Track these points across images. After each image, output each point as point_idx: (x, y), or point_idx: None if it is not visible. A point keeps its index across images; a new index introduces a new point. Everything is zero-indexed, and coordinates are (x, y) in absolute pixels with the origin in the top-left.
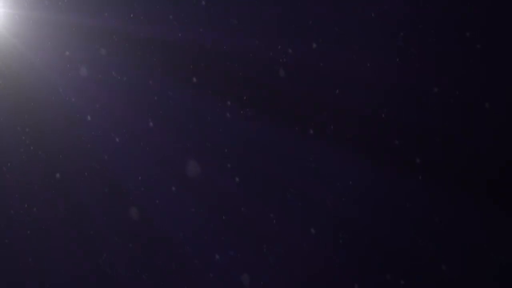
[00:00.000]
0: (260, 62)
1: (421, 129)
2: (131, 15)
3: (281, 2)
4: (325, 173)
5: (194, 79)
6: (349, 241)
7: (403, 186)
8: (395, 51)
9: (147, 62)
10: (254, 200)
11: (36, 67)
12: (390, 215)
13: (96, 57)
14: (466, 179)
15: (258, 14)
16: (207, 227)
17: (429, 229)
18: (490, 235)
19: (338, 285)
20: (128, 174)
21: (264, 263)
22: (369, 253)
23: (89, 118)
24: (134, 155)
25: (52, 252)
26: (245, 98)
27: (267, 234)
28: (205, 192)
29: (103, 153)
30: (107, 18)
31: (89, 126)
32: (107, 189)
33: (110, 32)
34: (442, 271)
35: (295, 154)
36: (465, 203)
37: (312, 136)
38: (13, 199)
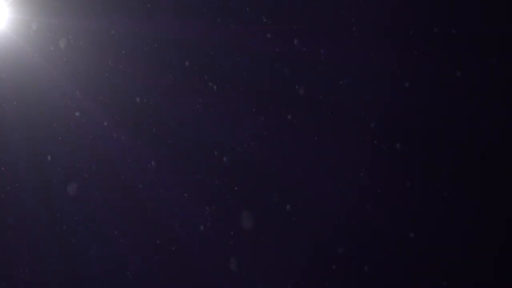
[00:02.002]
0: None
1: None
2: (137, 19)
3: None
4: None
5: (196, 78)
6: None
7: (401, 185)
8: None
9: (154, 64)
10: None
11: (44, 70)
12: (388, 213)
13: (103, 59)
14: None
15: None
16: (209, 229)
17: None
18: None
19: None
20: (128, 172)
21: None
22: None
23: (95, 119)
24: (137, 155)
25: (51, 252)
26: (242, 95)
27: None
28: (207, 192)
29: (107, 153)
30: (114, 21)
31: (94, 127)
32: (108, 188)
33: (117, 35)
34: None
35: (292, 153)
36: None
37: (309, 135)
38: (13, 198)
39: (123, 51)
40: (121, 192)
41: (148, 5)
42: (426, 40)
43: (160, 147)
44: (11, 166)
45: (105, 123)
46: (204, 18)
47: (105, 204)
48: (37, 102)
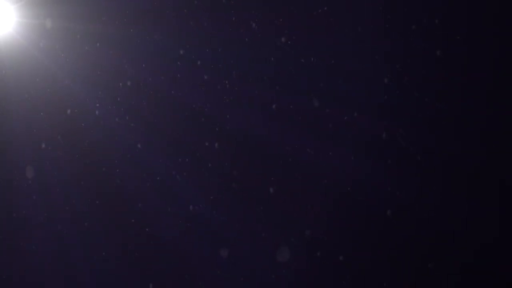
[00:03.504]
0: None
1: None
2: (143, 24)
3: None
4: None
5: (202, 79)
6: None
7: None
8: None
9: (161, 67)
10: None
11: (51, 72)
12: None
13: (110, 63)
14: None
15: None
16: (211, 231)
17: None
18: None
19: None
20: (133, 174)
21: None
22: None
23: (102, 122)
24: (143, 156)
25: (54, 253)
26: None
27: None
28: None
29: (113, 154)
30: (122, 25)
31: (102, 130)
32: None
33: (124, 39)
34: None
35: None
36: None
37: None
38: (20, 199)
39: (131, 54)
40: (124, 190)
41: (156, 8)
42: (425, 38)
43: (166, 145)
44: (17, 167)
45: (114, 126)
46: (207, 19)
47: (105, 203)
48: (44, 105)
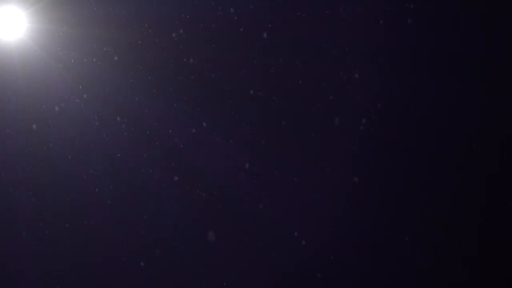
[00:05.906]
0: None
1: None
2: (153, 30)
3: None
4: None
5: (202, 83)
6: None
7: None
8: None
9: (167, 71)
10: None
11: (63, 78)
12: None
13: (120, 68)
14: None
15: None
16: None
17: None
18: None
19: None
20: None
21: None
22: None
23: (112, 128)
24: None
25: (53, 253)
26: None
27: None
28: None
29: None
30: (132, 32)
31: (111, 136)
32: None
33: (134, 44)
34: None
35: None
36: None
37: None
38: (23, 199)
39: (144, 62)
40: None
41: (169, 15)
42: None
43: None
44: (25, 169)
45: (124, 133)
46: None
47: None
48: (54, 110)
